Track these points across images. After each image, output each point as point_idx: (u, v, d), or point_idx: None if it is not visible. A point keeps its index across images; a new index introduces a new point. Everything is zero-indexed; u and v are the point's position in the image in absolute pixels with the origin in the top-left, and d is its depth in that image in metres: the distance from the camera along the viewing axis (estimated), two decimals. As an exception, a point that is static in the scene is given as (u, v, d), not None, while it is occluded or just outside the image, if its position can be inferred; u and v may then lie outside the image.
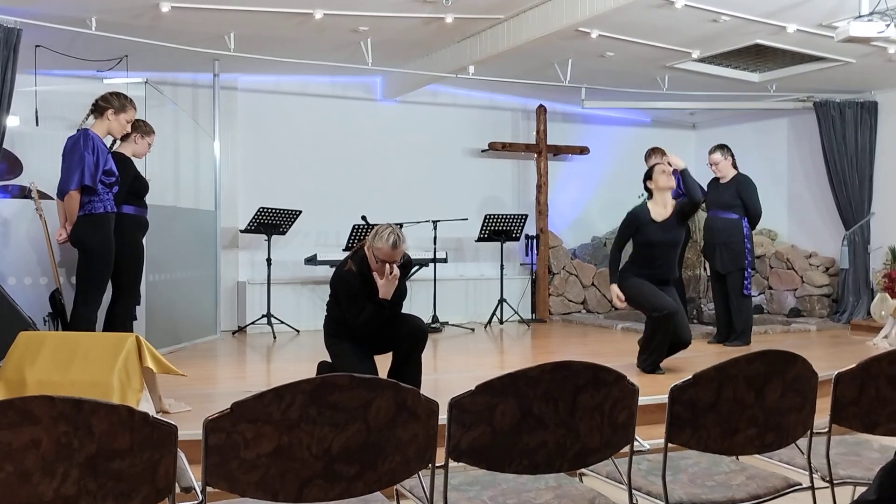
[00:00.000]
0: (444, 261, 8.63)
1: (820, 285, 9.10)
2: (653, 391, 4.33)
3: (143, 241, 5.71)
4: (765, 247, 9.48)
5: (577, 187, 10.22)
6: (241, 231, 8.11)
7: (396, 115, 9.26)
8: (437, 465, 2.24)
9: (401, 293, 4.65)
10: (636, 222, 5.71)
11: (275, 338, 7.74)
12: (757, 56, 7.59)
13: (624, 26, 6.59)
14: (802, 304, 9.15)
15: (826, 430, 2.71)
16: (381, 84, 9.17)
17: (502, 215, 8.76)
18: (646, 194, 5.90)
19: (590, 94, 8.80)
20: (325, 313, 4.83)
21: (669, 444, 2.46)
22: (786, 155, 9.74)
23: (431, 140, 9.40)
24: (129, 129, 5.28)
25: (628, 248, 5.89)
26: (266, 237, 7.97)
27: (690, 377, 2.44)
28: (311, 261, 8.14)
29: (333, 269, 4.94)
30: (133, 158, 5.68)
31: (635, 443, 2.47)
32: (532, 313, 9.52)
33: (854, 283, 8.73)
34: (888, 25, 5.07)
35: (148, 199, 5.76)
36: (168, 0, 5.94)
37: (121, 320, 5.43)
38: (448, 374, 5.97)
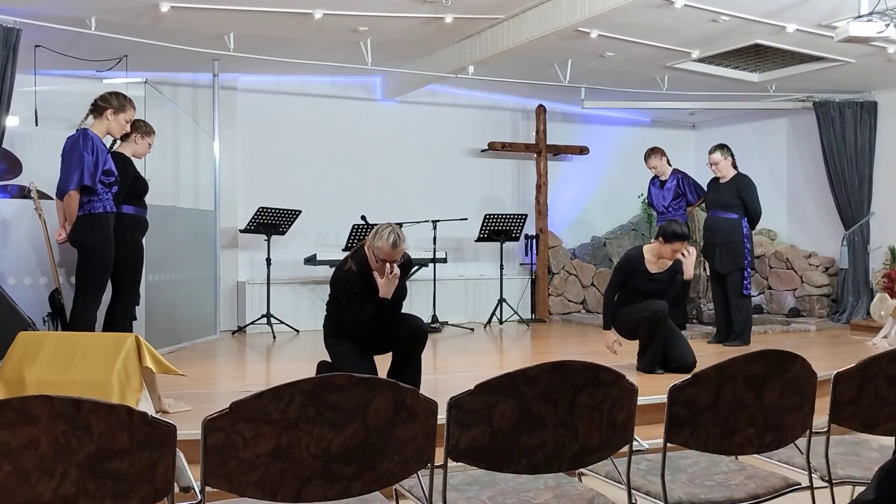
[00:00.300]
0: (444, 261, 8.64)
1: (819, 285, 9.10)
2: (652, 391, 4.33)
3: (143, 241, 5.71)
4: (764, 247, 9.48)
5: (576, 187, 10.22)
6: (241, 231, 8.11)
7: (396, 115, 9.26)
8: (436, 464, 2.24)
9: (401, 293, 4.65)
10: (629, 268, 5.70)
11: (274, 338, 7.74)
12: (757, 56, 7.60)
13: (624, 26, 6.59)
14: (802, 304, 9.15)
15: (825, 429, 2.71)
16: (380, 84, 9.17)
17: (502, 215, 8.76)
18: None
19: (589, 94, 8.80)
20: (325, 313, 4.83)
21: (668, 444, 2.46)
22: (785, 155, 9.74)
23: (431, 140, 9.40)
24: (128, 129, 5.28)
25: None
26: (266, 237, 7.97)
27: (690, 377, 2.45)
28: (311, 261, 8.14)
29: (333, 268, 4.94)
30: (133, 158, 5.68)
31: (634, 442, 2.47)
32: (532, 313, 9.52)
33: (853, 283, 8.73)
34: (888, 25, 5.07)
35: (148, 198, 5.76)
36: (168, 0, 5.94)
37: (120, 320, 5.43)
38: (447, 373, 5.96)
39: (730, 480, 2.65)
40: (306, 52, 7.46)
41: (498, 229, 8.75)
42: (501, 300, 8.93)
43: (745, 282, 6.95)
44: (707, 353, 6.23)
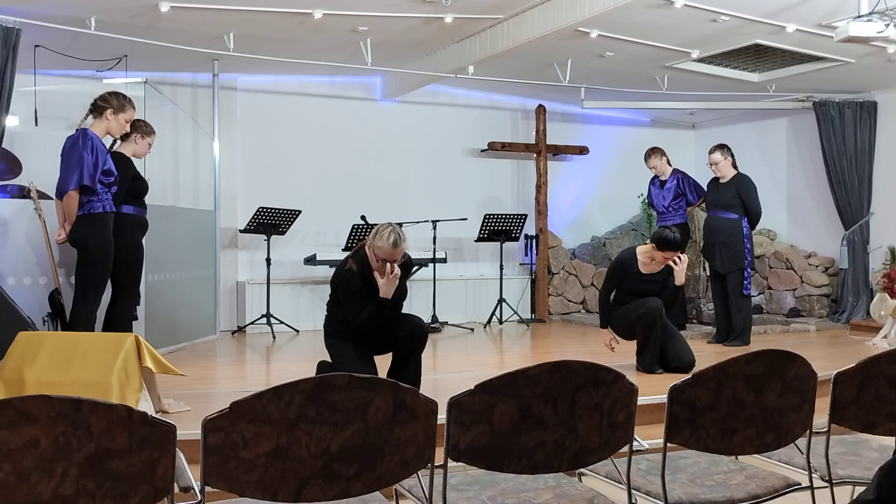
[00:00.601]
0: (444, 261, 8.64)
1: (819, 285, 9.10)
2: (652, 391, 4.34)
3: (143, 241, 5.71)
4: (764, 247, 9.48)
5: (576, 187, 10.22)
6: (241, 231, 8.11)
7: (396, 115, 9.26)
8: (436, 464, 2.24)
9: (401, 293, 4.65)
10: (622, 271, 5.71)
11: (274, 338, 7.74)
12: (756, 56, 7.60)
13: (623, 26, 6.59)
14: (802, 304, 9.15)
15: (825, 429, 2.71)
16: (380, 84, 9.17)
17: (502, 215, 8.76)
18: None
19: (589, 94, 8.80)
20: (326, 313, 4.83)
21: (668, 444, 2.45)
22: (785, 155, 9.74)
23: (431, 140, 9.41)
24: (128, 129, 5.28)
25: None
26: (265, 237, 7.97)
27: (690, 377, 2.45)
28: (311, 261, 8.14)
29: (333, 269, 4.94)
30: (133, 158, 5.68)
31: (634, 442, 2.47)
32: (531, 313, 9.51)
33: (853, 283, 8.73)
34: (887, 25, 5.08)
35: (147, 198, 5.76)
36: (167, 0, 5.94)
37: (120, 320, 5.43)
38: (447, 373, 5.96)
39: (730, 480, 2.65)
40: (306, 52, 7.46)
41: (498, 229, 8.75)
42: (501, 300, 8.92)
43: (745, 282, 6.95)
44: (707, 353, 6.23)
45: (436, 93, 9.24)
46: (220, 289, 7.86)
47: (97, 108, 5.06)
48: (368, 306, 4.51)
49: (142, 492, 1.85)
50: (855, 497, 1.79)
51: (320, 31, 6.77)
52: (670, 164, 7.94)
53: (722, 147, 7.11)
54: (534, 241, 9.61)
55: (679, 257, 5.60)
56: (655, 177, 7.98)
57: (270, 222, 7.89)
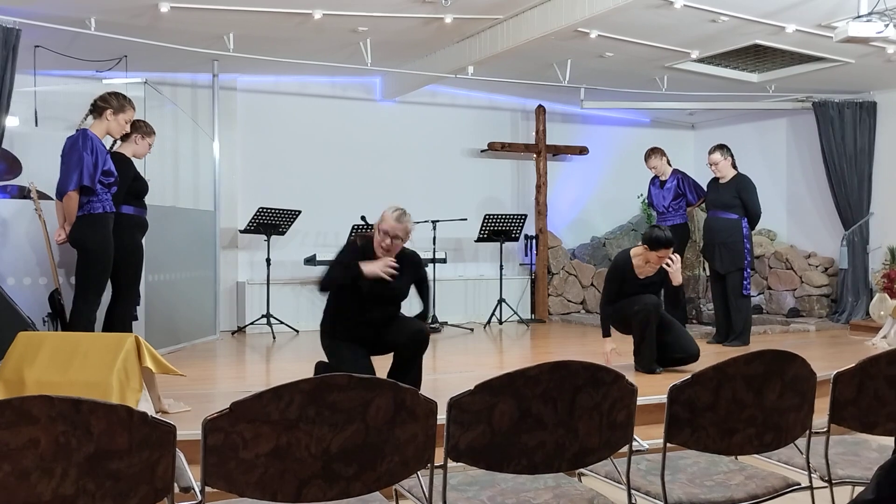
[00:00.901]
0: (444, 261, 8.64)
1: (819, 285, 9.10)
2: (651, 391, 4.34)
3: (143, 241, 5.71)
4: (764, 247, 9.48)
5: (576, 187, 10.22)
6: (241, 231, 8.11)
7: (396, 115, 9.27)
8: (435, 465, 2.24)
9: (401, 293, 4.64)
10: (621, 275, 5.69)
11: (274, 338, 7.74)
12: (756, 56, 7.60)
13: (623, 26, 6.59)
14: (801, 305, 9.15)
15: (825, 429, 2.71)
16: (380, 84, 9.17)
17: (502, 215, 8.76)
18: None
19: (589, 94, 8.80)
20: (323, 313, 4.81)
21: (668, 444, 2.45)
22: (785, 155, 9.74)
23: (431, 140, 9.41)
24: (127, 130, 5.27)
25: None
26: (265, 237, 7.97)
27: (689, 377, 2.44)
28: (311, 261, 8.14)
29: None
30: (133, 159, 5.68)
31: (634, 443, 2.47)
32: (531, 313, 9.52)
33: (853, 283, 8.73)
34: (887, 25, 5.08)
35: (147, 199, 5.75)
36: (167, 0, 5.94)
37: (120, 320, 5.43)
38: (447, 374, 5.96)
39: (730, 480, 2.65)
40: (306, 53, 7.46)
41: (497, 229, 8.75)
42: (501, 300, 8.93)
43: (745, 282, 6.95)
44: (707, 353, 6.23)
45: (435, 93, 9.24)
46: (220, 289, 7.86)
47: (97, 109, 5.05)
48: (342, 274, 4.44)
49: (142, 492, 1.85)
50: (854, 497, 1.80)
51: (320, 31, 6.77)
52: (670, 165, 7.94)
53: (721, 147, 7.11)
54: (534, 241, 9.61)
55: (672, 258, 5.60)
56: (655, 177, 7.98)
57: (270, 222, 7.89)
